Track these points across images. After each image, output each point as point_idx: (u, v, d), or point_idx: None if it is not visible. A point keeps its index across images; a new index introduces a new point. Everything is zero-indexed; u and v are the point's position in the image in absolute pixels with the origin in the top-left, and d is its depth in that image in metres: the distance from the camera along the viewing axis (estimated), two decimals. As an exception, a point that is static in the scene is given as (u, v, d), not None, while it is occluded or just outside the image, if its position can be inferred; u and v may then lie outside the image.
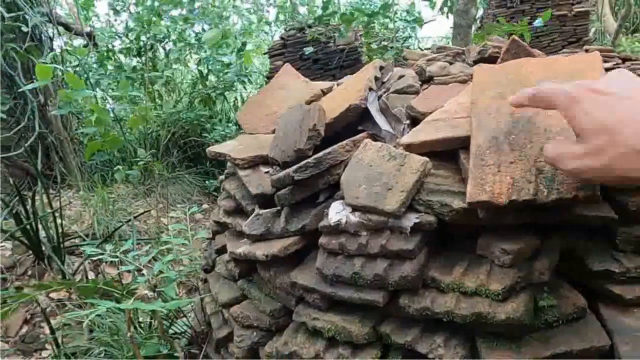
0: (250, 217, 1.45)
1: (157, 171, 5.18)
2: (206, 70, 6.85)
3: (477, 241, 1.11)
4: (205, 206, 5.79)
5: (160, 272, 1.62)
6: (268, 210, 1.39)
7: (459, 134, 1.16)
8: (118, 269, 2.45)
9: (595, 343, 0.98)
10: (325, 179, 1.30)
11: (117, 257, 1.66)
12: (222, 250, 1.70)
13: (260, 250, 1.31)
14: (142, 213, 5.03)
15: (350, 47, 5.83)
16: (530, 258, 1.06)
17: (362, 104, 1.38)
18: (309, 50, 5.55)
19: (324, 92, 1.74)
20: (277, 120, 1.61)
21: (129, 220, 4.39)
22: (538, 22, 4.32)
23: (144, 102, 5.63)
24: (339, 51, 5.82)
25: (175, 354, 1.79)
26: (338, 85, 1.81)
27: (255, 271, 1.46)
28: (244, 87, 7.92)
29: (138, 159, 4.92)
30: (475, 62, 1.53)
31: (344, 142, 1.32)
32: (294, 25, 6.06)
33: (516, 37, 1.41)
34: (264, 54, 7.27)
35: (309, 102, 1.63)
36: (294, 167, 1.27)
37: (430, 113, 1.29)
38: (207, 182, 6.08)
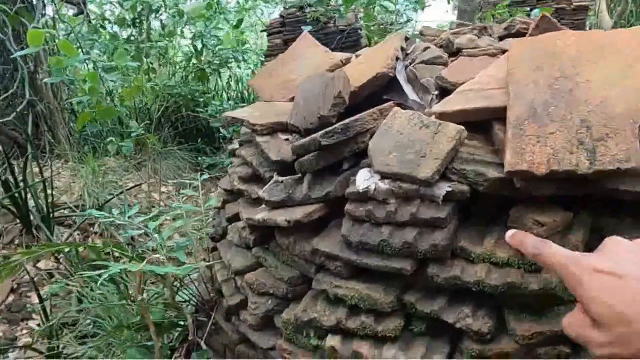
0: (269, 184, 1.43)
1: (150, 145, 5.09)
2: (201, 45, 6.71)
3: (509, 213, 1.10)
4: (197, 183, 5.72)
5: (170, 237, 1.59)
6: (289, 177, 1.37)
7: (494, 104, 1.14)
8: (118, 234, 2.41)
9: (626, 316, 0.98)
10: (350, 147, 1.28)
11: (126, 221, 1.61)
12: (233, 218, 1.67)
13: (282, 217, 1.29)
14: (134, 187, 4.95)
15: (351, 29, 5.75)
16: (561, 232, 1.06)
17: (390, 72, 1.36)
18: (307, 28, 5.46)
19: (343, 63, 1.71)
20: (297, 88, 1.57)
21: (121, 192, 4.32)
22: (536, 13, 4.33)
23: (139, 73, 5.49)
24: (339, 32, 5.73)
25: (180, 323, 1.77)
26: (357, 57, 1.77)
27: (271, 239, 1.43)
28: (238, 66, 7.80)
29: (131, 131, 4.82)
30: (502, 38, 1.51)
31: (372, 110, 1.29)
32: (294, 3, 5.95)
33: (547, 14, 1.39)
34: (262, 31, 7.14)
35: (329, 72, 1.60)
36: (321, 132, 1.24)
37: (462, 84, 1.27)
38: (199, 158, 6.00)
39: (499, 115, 1.15)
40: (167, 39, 6.97)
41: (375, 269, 1.14)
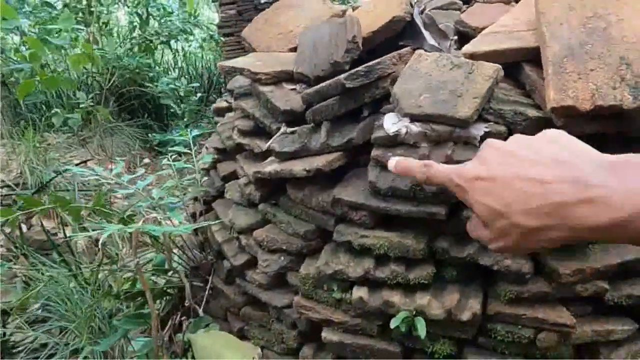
0: (276, 135, 1.34)
1: (101, 118, 4.75)
2: (145, 14, 6.32)
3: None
4: (146, 160, 5.44)
5: (161, 198, 1.46)
6: (304, 126, 1.29)
7: (526, 44, 1.12)
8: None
9: (659, 251, 1.00)
10: (371, 92, 1.21)
11: (111, 180, 1.47)
12: (230, 176, 1.57)
13: (299, 167, 1.21)
14: (80, 163, 4.63)
15: None
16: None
17: (406, 16, 1.30)
18: (266, -1, 5.28)
19: (343, 13, 1.63)
20: (300, 36, 1.49)
21: (66, 169, 4.02)
22: None
23: (83, 41, 5.08)
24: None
25: (168, 290, 1.65)
26: (354, 9, 1.70)
27: (279, 194, 1.35)
28: (186, 40, 7.45)
29: (79, 102, 4.46)
30: (510, -12, 1.49)
31: (391, 54, 1.23)
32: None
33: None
34: (214, 1, 6.84)
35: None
36: (345, 74, 1.17)
37: (482, 28, 1.23)
38: (149, 135, 5.70)
39: (530, 56, 1.13)
40: (108, 6, 6.52)
41: (407, 215, 1.09)
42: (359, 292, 1.13)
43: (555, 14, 1.10)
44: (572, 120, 1.00)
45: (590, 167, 0.43)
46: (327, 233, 1.25)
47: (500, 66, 1.06)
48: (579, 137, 0.99)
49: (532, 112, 1.04)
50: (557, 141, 0.48)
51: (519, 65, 1.15)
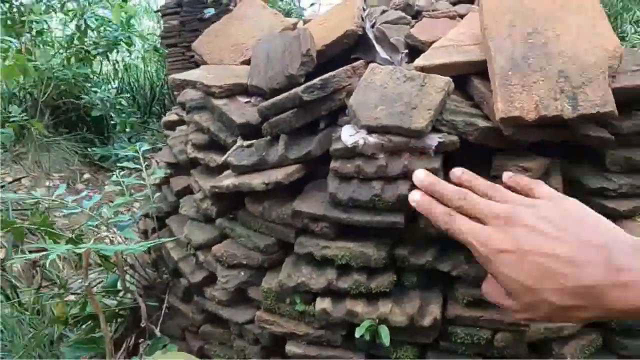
0: (233, 149, 1.33)
1: (35, 132, 4.49)
2: (84, 25, 6.07)
3: (492, 162, 1.14)
4: (87, 175, 5.20)
5: (111, 216, 1.40)
6: (261, 139, 1.28)
7: (474, 58, 1.18)
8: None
9: (601, 249, 1.07)
10: (327, 104, 1.23)
11: (54, 200, 1.39)
12: (183, 191, 1.54)
13: (257, 180, 1.20)
14: (13, 181, 4.37)
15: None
16: (541, 177, 1.13)
17: (359, 30, 1.33)
18: (209, 11, 5.22)
19: (294, 26, 1.65)
20: (253, 49, 1.48)
21: (2, 186, 3.79)
22: None
23: (14, 52, 4.80)
24: (242, 15, 5.58)
25: (120, 312, 1.58)
26: (304, 22, 1.72)
27: (237, 208, 1.34)
28: (128, 51, 7.23)
29: (11, 116, 4.20)
30: (453, 4, 1.56)
31: (345, 67, 1.26)
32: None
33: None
34: (156, 11, 6.68)
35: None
36: (302, 87, 1.18)
37: (432, 42, 1.28)
38: (89, 150, 5.45)
39: (477, 69, 1.19)
40: (42, 15, 6.21)
41: (367, 224, 1.11)
42: (323, 304, 1.14)
43: (499, 29, 1.17)
44: (519, 129, 1.06)
45: (619, 250, 0.44)
46: (288, 246, 1.24)
47: (450, 79, 1.11)
48: (509, 150, 1.05)
49: (482, 123, 1.09)
50: (582, 220, 0.48)
51: (468, 77, 1.20)
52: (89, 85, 5.63)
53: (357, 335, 1.08)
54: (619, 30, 8.18)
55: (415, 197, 0.61)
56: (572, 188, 1.17)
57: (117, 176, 1.49)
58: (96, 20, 6.03)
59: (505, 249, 0.50)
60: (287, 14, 5.16)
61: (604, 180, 1.16)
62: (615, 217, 1.14)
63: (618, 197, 1.14)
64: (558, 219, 0.48)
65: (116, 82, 6.83)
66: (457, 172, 0.66)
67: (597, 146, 1.14)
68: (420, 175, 0.63)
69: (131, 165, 1.54)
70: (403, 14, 1.45)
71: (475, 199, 0.58)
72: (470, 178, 0.67)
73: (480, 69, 1.17)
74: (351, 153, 1.13)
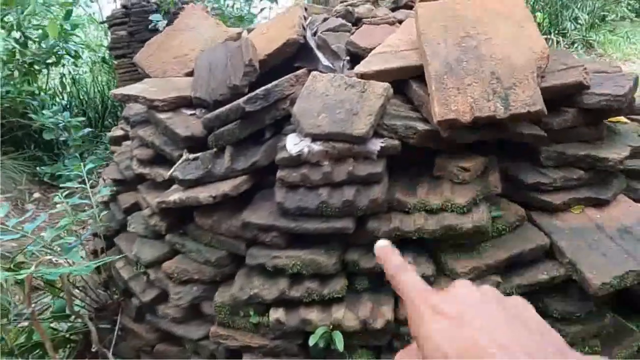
0: (179, 163, 1.31)
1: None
2: (22, 38, 5.80)
3: (434, 162, 1.18)
4: (37, 195, 4.99)
5: (58, 237, 1.34)
6: (206, 152, 1.27)
7: (410, 63, 1.21)
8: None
9: (540, 242, 1.12)
10: (271, 114, 1.24)
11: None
12: (132, 208, 1.50)
13: (204, 193, 1.19)
14: (-45, 205, 4.13)
15: (203, 20, 5.55)
16: (480, 175, 1.17)
17: (300, 39, 1.34)
18: (157, 18, 5.11)
19: (238, 36, 1.64)
20: (196, 60, 1.47)
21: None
22: None
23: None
24: (191, 23, 5.49)
25: (71, 337, 1.52)
26: (249, 31, 1.72)
27: (187, 223, 1.32)
28: (74, 64, 6.98)
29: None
30: (392, 10, 1.60)
31: (288, 76, 1.26)
32: (137, -8, 5.51)
33: (431, -13, 1.51)
34: (101, 23, 6.47)
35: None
36: (244, 98, 1.18)
37: (372, 49, 1.31)
38: (37, 168, 5.21)
39: (415, 73, 1.22)
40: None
41: (316, 232, 1.12)
42: (276, 314, 1.13)
43: (433, 33, 1.20)
44: (456, 131, 1.09)
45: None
46: (240, 258, 1.24)
47: (389, 84, 1.14)
48: (450, 150, 1.07)
49: (421, 126, 1.12)
50: (526, 323, 0.47)
51: (407, 82, 1.23)
52: (36, 103, 5.39)
53: (311, 342, 1.09)
54: (560, 27, 8.58)
55: (379, 244, 0.58)
56: (510, 184, 1.22)
57: (60, 197, 1.44)
58: (35, 30, 5.80)
59: (446, 313, 0.46)
60: (240, 19, 5.10)
61: (539, 175, 1.21)
62: (551, 209, 1.20)
63: (553, 190, 1.20)
64: (503, 308, 0.48)
65: (65, 96, 6.58)
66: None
67: (531, 143, 1.19)
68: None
69: (75, 185, 1.49)
70: (344, 22, 1.47)
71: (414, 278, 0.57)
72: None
73: (417, 73, 1.20)
74: (296, 162, 1.14)
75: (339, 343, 1.08)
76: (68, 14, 5.97)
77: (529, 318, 0.46)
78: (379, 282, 1.17)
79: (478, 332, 0.43)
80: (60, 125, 4.82)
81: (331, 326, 1.10)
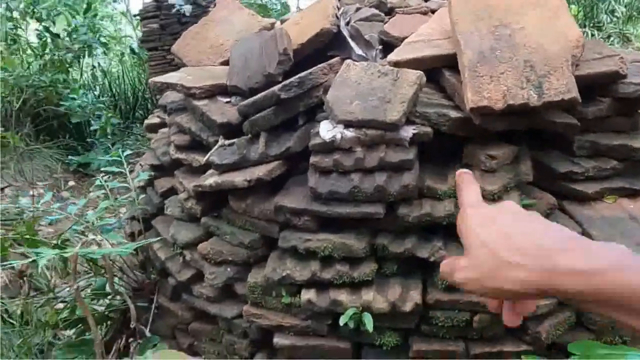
0: (215, 148, 1.35)
1: (13, 144, 4.44)
2: (54, 29, 5.97)
3: (463, 150, 1.19)
4: (72, 183, 5.16)
5: (97, 220, 1.41)
6: (241, 138, 1.31)
7: (443, 52, 1.22)
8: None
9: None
10: (305, 101, 1.27)
11: (39, 209, 1.41)
12: (168, 192, 1.56)
13: (239, 178, 1.23)
14: (-4, 191, 4.32)
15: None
16: (510, 163, 1.18)
17: (333, 28, 1.37)
18: (187, 8, 5.20)
19: (272, 26, 1.68)
20: (231, 50, 1.51)
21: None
22: None
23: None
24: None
25: (109, 315, 1.60)
26: (282, 22, 1.75)
27: (221, 206, 1.36)
28: (104, 52, 7.16)
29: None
30: (426, 0, 1.60)
31: (322, 65, 1.29)
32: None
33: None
34: (135, 16, 6.63)
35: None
36: (279, 85, 1.21)
37: (405, 38, 1.33)
38: (69, 157, 5.37)
39: (448, 62, 1.23)
40: (16, 21, 6.13)
41: (347, 216, 1.15)
42: (307, 295, 1.17)
43: (467, 23, 1.21)
44: (488, 119, 1.10)
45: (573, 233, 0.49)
46: (272, 241, 1.28)
47: (422, 73, 1.15)
48: (480, 138, 1.09)
49: (454, 114, 1.13)
50: (549, 225, 0.52)
51: (440, 70, 1.24)
52: (67, 92, 5.55)
53: (341, 323, 1.12)
54: (595, 20, 8.34)
55: (459, 172, 0.65)
56: (542, 173, 1.23)
57: (100, 181, 1.50)
58: (67, 23, 5.97)
59: (485, 214, 0.54)
60: (265, 9, 5.16)
61: (572, 164, 1.21)
62: (583, 198, 1.20)
63: (585, 180, 1.20)
64: (533, 215, 0.53)
65: (97, 88, 6.77)
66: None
67: (563, 132, 1.19)
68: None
69: (114, 169, 1.56)
70: (377, 11, 1.48)
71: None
72: None
73: (450, 62, 1.21)
74: (329, 147, 1.17)
75: (369, 324, 1.11)
76: (88, 6, 6.10)
77: (549, 223, 0.52)
78: (407, 268, 1.19)
79: (507, 226, 0.51)
80: (87, 109, 4.95)
81: (361, 308, 1.14)
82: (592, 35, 7.93)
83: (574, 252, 0.46)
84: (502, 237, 0.50)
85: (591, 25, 8.32)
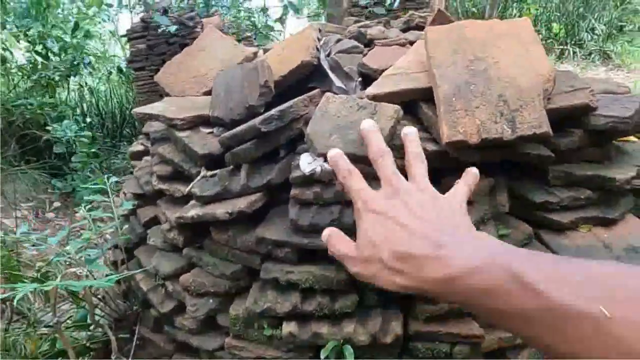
0: (197, 179, 1.36)
1: (-1, 163, 4.41)
2: (43, 50, 5.98)
3: (441, 182, 1.21)
4: (57, 204, 5.11)
5: (79, 250, 1.40)
6: (223, 169, 1.32)
7: (420, 85, 1.25)
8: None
9: (547, 260, 1.15)
10: (286, 134, 1.28)
11: (17, 239, 1.40)
12: (151, 222, 1.56)
13: (221, 209, 1.24)
14: (-22, 214, 4.27)
15: (220, 34, 5.67)
16: (488, 194, 1.20)
17: (313, 60, 1.39)
18: (173, 28, 5.24)
19: (254, 55, 1.70)
20: (214, 80, 1.53)
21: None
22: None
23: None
24: (208, 36, 5.61)
25: (90, 346, 1.58)
26: (265, 51, 1.78)
27: (204, 237, 1.37)
28: (90, 73, 7.15)
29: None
30: (403, 31, 1.64)
31: (301, 97, 1.31)
32: (156, 5, 5.67)
33: (442, 9, 1.55)
34: (122, 36, 6.65)
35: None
36: (259, 118, 1.23)
37: (383, 70, 1.35)
38: (52, 181, 5.31)
39: (424, 95, 1.26)
40: (5, 43, 6.13)
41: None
42: (289, 327, 1.18)
43: (442, 56, 1.24)
44: (464, 151, 1.13)
45: (451, 234, 0.51)
46: (254, 272, 1.28)
47: (399, 107, 1.17)
48: (457, 170, 1.13)
49: (430, 146, 1.16)
50: (442, 207, 0.56)
51: (417, 103, 1.27)
52: (55, 114, 5.52)
53: (322, 356, 1.12)
54: (576, 38, 8.55)
55: (331, 152, 0.70)
56: (518, 203, 1.25)
57: (83, 211, 1.50)
58: (57, 42, 5.98)
59: (376, 211, 0.57)
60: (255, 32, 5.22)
61: (547, 194, 1.23)
62: (559, 228, 1.23)
63: (561, 209, 1.22)
64: (430, 205, 0.56)
65: (84, 106, 6.75)
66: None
67: (537, 163, 1.22)
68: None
69: (99, 197, 1.56)
70: (356, 43, 1.52)
71: (387, 166, 0.65)
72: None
73: (427, 95, 1.24)
74: (309, 180, 1.18)
75: (350, 357, 1.11)
76: (76, 25, 6.12)
77: (445, 207, 0.56)
78: (388, 299, 1.20)
79: (397, 223, 0.54)
80: (70, 138, 4.93)
81: (342, 340, 1.14)
82: (574, 53, 8.11)
83: (439, 262, 0.49)
84: (388, 240, 0.53)
85: (572, 42, 8.52)
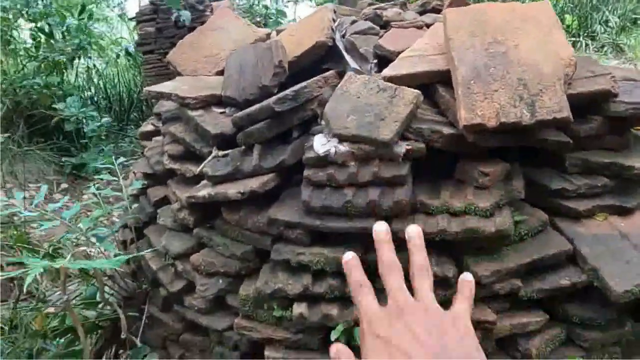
0: (208, 159, 1.35)
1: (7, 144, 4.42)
2: (48, 30, 5.94)
3: (456, 166, 1.20)
4: (64, 185, 5.13)
5: (89, 229, 1.40)
6: (235, 149, 1.31)
7: (437, 67, 1.23)
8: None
9: (562, 248, 1.13)
10: (300, 114, 1.27)
11: (32, 211, 1.39)
12: (161, 202, 1.55)
13: (233, 189, 1.23)
14: (-14, 193, 4.29)
15: (229, 18, 5.62)
16: (503, 180, 1.18)
17: (329, 41, 1.37)
18: (185, 15, 5.20)
19: (267, 36, 1.68)
20: (227, 60, 1.51)
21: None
22: None
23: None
24: (217, 21, 5.57)
25: (99, 324, 1.59)
26: (278, 32, 1.76)
27: (214, 217, 1.36)
28: (100, 55, 7.12)
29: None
30: (420, 14, 1.61)
31: (316, 77, 1.30)
32: (166, -12, 5.61)
33: (459, -9, 1.52)
34: (131, 19, 6.62)
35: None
36: (274, 98, 1.21)
37: (400, 52, 1.33)
38: (63, 159, 5.33)
39: (442, 78, 1.24)
40: (9, 22, 6.10)
41: (339, 231, 1.15)
42: (299, 309, 1.17)
43: (461, 39, 1.22)
44: (481, 136, 1.11)
45: None
46: (265, 253, 1.27)
47: (419, 92, 1.16)
48: (473, 155, 1.10)
49: (447, 130, 1.14)
50: (447, 331, 0.54)
51: (434, 86, 1.25)
52: (61, 93, 5.51)
53: (332, 338, 1.12)
54: (590, 30, 8.42)
55: (346, 257, 0.68)
56: (534, 189, 1.23)
57: (94, 188, 1.50)
58: (61, 19, 5.93)
59: (380, 336, 0.55)
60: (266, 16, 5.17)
61: (564, 181, 1.22)
62: (575, 215, 1.21)
63: (577, 197, 1.21)
64: (435, 330, 0.55)
65: (92, 88, 6.74)
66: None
67: (555, 149, 1.20)
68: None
69: (108, 177, 1.55)
70: (372, 25, 1.49)
71: (394, 282, 0.65)
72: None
73: (444, 78, 1.22)
74: (323, 161, 1.17)
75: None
76: (82, 7, 6.08)
77: (450, 331, 0.54)
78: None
79: (400, 351, 0.52)
80: (80, 116, 4.93)
81: (352, 322, 1.14)
82: (587, 45, 8.00)
83: None
84: None
85: (585, 35, 8.39)
